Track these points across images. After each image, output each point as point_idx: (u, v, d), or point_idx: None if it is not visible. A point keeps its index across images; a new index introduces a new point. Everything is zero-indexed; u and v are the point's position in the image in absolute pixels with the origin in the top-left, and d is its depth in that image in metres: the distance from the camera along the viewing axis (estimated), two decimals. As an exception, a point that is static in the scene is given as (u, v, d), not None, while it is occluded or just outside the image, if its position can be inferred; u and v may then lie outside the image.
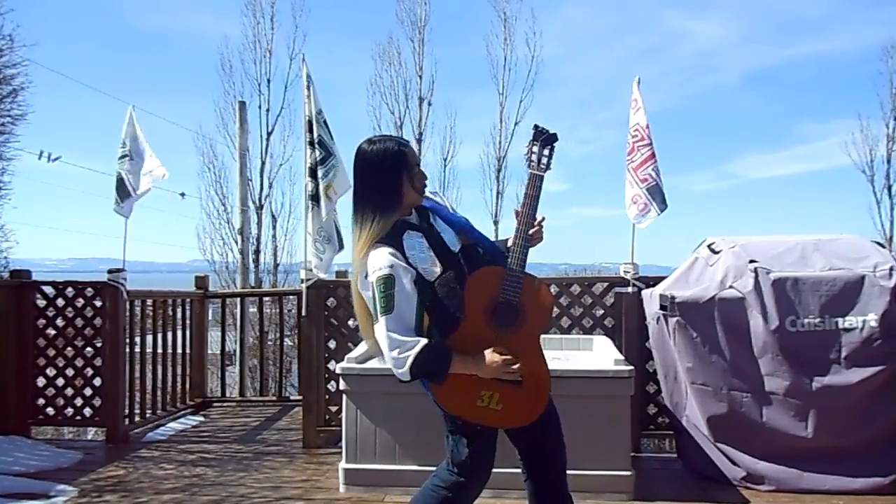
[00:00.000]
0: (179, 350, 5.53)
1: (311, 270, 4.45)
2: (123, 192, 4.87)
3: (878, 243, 3.73)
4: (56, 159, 10.25)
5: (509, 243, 2.17)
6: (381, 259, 1.99)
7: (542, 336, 2.20)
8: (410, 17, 14.93)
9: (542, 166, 2.10)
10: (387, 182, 2.06)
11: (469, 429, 2.09)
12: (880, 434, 3.33)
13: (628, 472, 3.29)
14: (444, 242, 2.12)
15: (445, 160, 14.85)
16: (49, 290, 4.78)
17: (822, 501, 3.26)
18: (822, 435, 3.31)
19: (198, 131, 13.58)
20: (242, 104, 11.66)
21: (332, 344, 4.42)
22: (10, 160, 6.25)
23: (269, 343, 8.93)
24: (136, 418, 4.90)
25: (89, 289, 4.73)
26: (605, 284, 4.42)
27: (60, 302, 4.73)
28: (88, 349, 4.74)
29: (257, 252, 13.09)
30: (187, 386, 5.64)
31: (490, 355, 2.00)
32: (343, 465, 3.49)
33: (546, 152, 2.11)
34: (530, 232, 2.10)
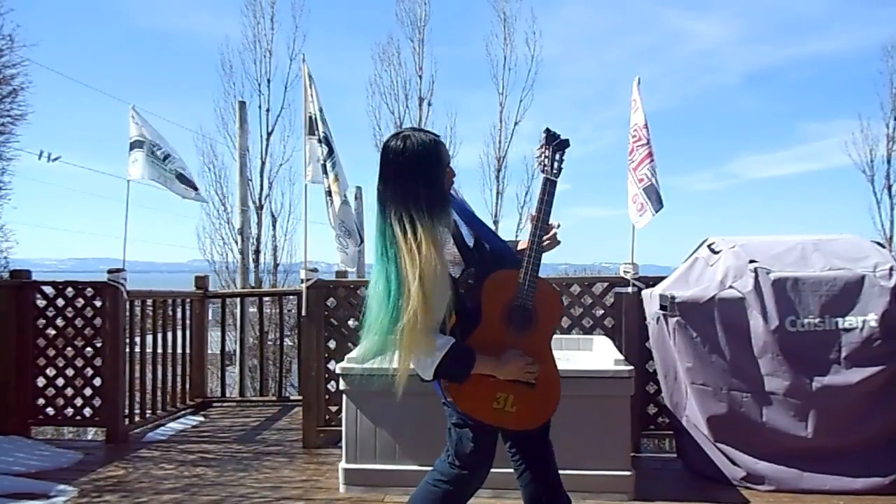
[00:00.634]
0: (179, 350, 5.53)
1: (313, 270, 4.47)
2: (190, 183, 4.96)
3: (878, 243, 3.73)
4: (56, 159, 10.26)
5: (520, 246, 2.18)
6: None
7: None
8: (410, 17, 14.95)
9: (556, 171, 2.09)
10: (432, 182, 1.97)
11: (478, 425, 2.09)
12: (880, 434, 3.33)
13: (628, 472, 3.29)
14: (463, 237, 2.12)
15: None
16: (49, 290, 4.78)
17: (822, 501, 3.26)
18: (822, 435, 3.31)
19: (198, 131, 13.60)
20: (242, 104, 11.67)
21: (332, 344, 4.41)
22: (10, 160, 6.27)
23: (269, 343, 8.93)
24: (136, 418, 4.90)
25: (89, 289, 4.73)
26: (605, 284, 4.42)
27: (60, 302, 4.73)
28: (88, 349, 4.74)
29: (257, 252, 13.09)
30: (187, 386, 5.64)
31: (512, 356, 2.02)
32: (343, 465, 3.49)
33: (558, 157, 2.09)
34: (545, 238, 2.09)
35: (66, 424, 5.73)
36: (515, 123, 14.84)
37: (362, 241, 4.48)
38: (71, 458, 4.18)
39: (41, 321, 4.72)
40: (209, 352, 6.25)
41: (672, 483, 3.59)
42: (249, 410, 5.76)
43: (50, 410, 4.74)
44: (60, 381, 4.73)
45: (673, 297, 3.55)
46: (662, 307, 3.61)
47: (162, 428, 5.02)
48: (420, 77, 14.80)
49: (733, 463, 3.48)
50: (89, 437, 6.30)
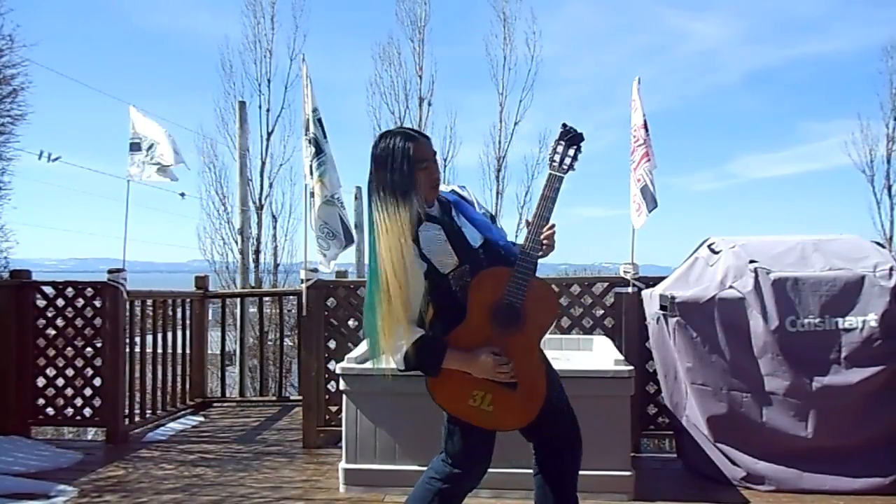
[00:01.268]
0: (179, 350, 5.53)
1: (313, 270, 4.47)
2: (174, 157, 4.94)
3: (878, 243, 3.73)
4: (56, 159, 10.23)
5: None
6: None
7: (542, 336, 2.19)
8: (410, 17, 14.94)
9: (564, 167, 2.04)
10: (399, 175, 2.01)
11: (468, 423, 2.09)
12: (880, 434, 3.33)
13: (628, 472, 3.29)
14: (464, 236, 2.11)
15: (445, 160, 14.84)
16: (49, 290, 4.77)
17: (822, 501, 3.26)
18: (822, 435, 3.31)
19: (198, 131, 13.60)
20: (242, 104, 11.67)
21: (332, 344, 4.41)
22: (10, 160, 6.26)
23: (269, 343, 8.93)
24: (136, 418, 4.90)
25: (89, 289, 4.73)
26: (605, 284, 4.42)
27: (60, 302, 4.73)
28: (88, 349, 4.74)
29: (257, 252, 13.09)
30: (187, 386, 5.64)
31: (483, 354, 2.01)
32: (343, 465, 3.49)
33: (570, 152, 2.05)
34: (542, 237, 2.05)
35: (66, 424, 5.73)
36: (515, 123, 14.84)
37: (352, 240, 4.47)
38: (71, 458, 4.18)
39: (41, 321, 4.72)
40: (209, 352, 6.25)
41: (672, 483, 3.59)
42: (249, 410, 5.76)
43: (50, 410, 4.74)
44: (60, 381, 4.73)
45: (673, 297, 3.55)
46: (662, 307, 3.61)
47: (162, 428, 5.02)
48: (420, 77, 14.80)
49: (733, 463, 3.48)
50: (89, 437, 6.31)
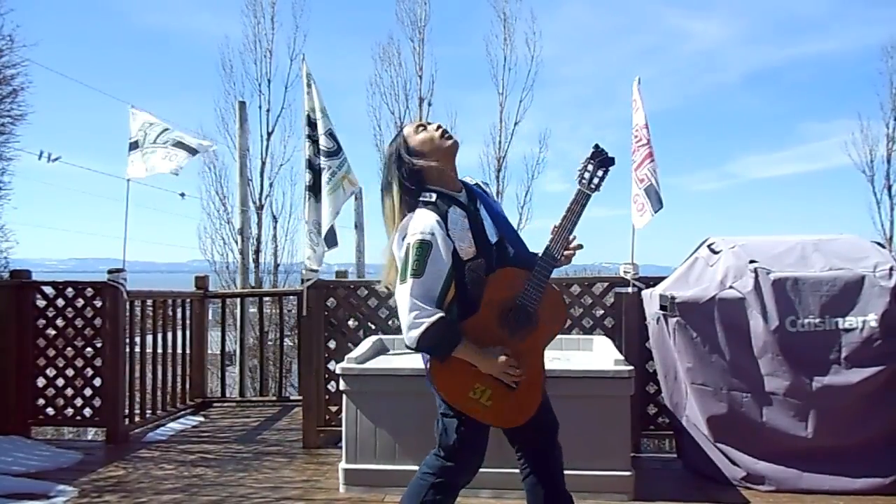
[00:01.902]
0: (179, 350, 5.53)
1: (313, 270, 4.47)
2: (189, 149, 4.95)
3: (878, 243, 3.73)
4: (56, 159, 10.23)
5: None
6: (425, 224, 2.02)
7: None
8: (410, 17, 14.96)
9: (593, 186, 2.09)
10: (394, 146, 2.18)
11: (465, 417, 2.10)
12: (880, 434, 3.33)
13: (628, 472, 3.29)
14: (485, 230, 2.13)
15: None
16: (49, 290, 4.78)
17: (822, 501, 3.26)
18: (822, 435, 3.31)
19: (198, 131, 13.57)
20: (242, 104, 11.66)
21: (332, 344, 4.41)
22: (10, 160, 6.25)
23: (269, 343, 8.93)
24: (136, 418, 4.90)
25: (89, 289, 4.73)
26: (605, 284, 4.42)
27: (60, 302, 4.73)
28: (88, 349, 4.74)
29: (257, 252, 13.09)
30: (187, 386, 5.64)
31: (497, 353, 2.03)
32: (343, 465, 3.49)
33: (599, 173, 2.09)
34: (564, 251, 2.10)
35: (66, 424, 5.73)
36: (515, 123, 14.86)
37: (333, 245, 4.45)
38: (71, 458, 4.18)
39: (41, 321, 4.72)
40: (209, 352, 6.25)
41: (672, 483, 3.59)
42: (249, 410, 5.76)
43: (50, 410, 4.74)
44: (60, 381, 4.73)
45: (673, 297, 3.55)
46: (662, 307, 3.61)
47: (162, 428, 5.02)
48: (420, 77, 14.82)
49: (733, 463, 3.48)
50: (89, 437, 6.31)
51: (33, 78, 6.33)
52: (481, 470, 2.21)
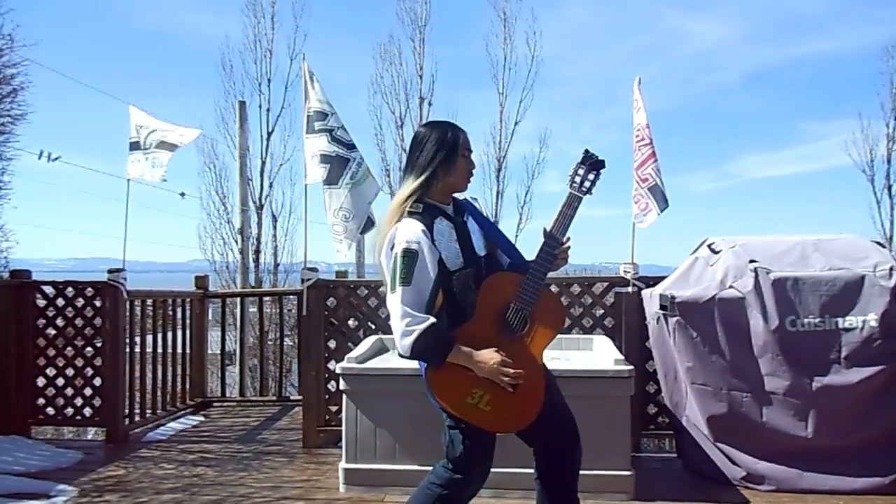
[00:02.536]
0: (179, 350, 5.53)
1: (313, 270, 4.47)
2: (169, 146, 4.92)
3: (878, 243, 3.73)
4: (56, 159, 10.24)
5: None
6: (411, 233, 2.03)
7: None
8: (411, 17, 14.95)
9: (584, 189, 2.13)
10: (441, 151, 2.13)
11: (470, 428, 2.09)
12: (880, 434, 3.33)
13: (628, 472, 3.29)
14: (472, 241, 2.16)
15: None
16: (49, 289, 4.78)
17: (823, 501, 3.26)
18: (822, 435, 3.31)
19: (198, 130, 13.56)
20: (242, 104, 11.66)
21: (332, 344, 4.41)
22: (10, 160, 6.25)
23: (269, 343, 8.93)
24: (136, 418, 4.90)
25: (89, 289, 4.73)
26: (605, 284, 4.42)
27: (60, 302, 4.73)
28: (88, 349, 4.74)
29: (257, 252, 13.09)
30: (187, 386, 5.64)
31: (490, 354, 2.02)
32: (343, 465, 3.49)
33: (591, 177, 2.13)
34: (556, 251, 2.11)
35: (66, 424, 5.73)
36: (516, 123, 14.83)
37: (368, 228, 4.48)
38: (71, 457, 4.18)
39: (41, 321, 4.72)
40: (209, 352, 6.25)
41: (672, 483, 3.59)
42: (249, 410, 5.76)
43: (50, 410, 4.74)
44: (60, 381, 4.73)
45: (673, 297, 3.55)
46: (662, 307, 3.61)
47: (162, 428, 5.02)
48: (420, 77, 14.80)
49: (733, 463, 3.48)
50: (89, 437, 6.30)
51: (33, 78, 6.33)
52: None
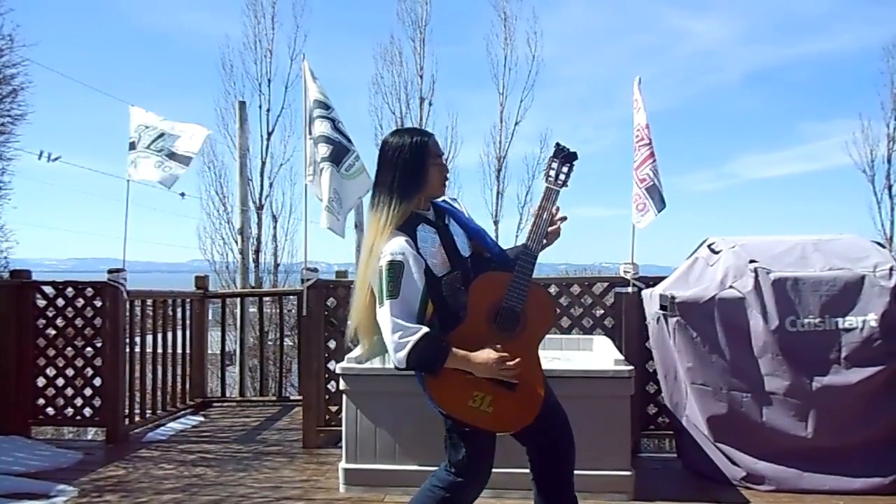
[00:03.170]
0: (179, 350, 5.53)
1: (313, 270, 4.46)
2: (182, 159, 4.90)
3: (878, 243, 3.73)
4: (56, 159, 10.23)
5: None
6: (395, 244, 2.02)
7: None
8: (411, 17, 14.95)
9: (559, 182, 2.17)
10: (410, 168, 2.10)
11: (471, 431, 2.09)
12: (880, 434, 3.33)
13: (628, 472, 3.29)
14: (456, 244, 2.16)
15: (446, 160, 14.85)
16: (49, 290, 4.78)
17: (823, 501, 3.26)
18: (822, 435, 3.31)
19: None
20: (242, 104, 11.67)
21: (332, 344, 4.41)
22: (10, 160, 6.26)
23: (269, 343, 8.93)
24: (136, 418, 4.90)
25: (89, 289, 4.73)
26: (605, 284, 4.42)
27: (60, 302, 4.73)
28: (88, 349, 4.74)
29: (257, 252, 13.10)
30: (187, 386, 5.64)
31: (485, 353, 2.02)
32: (343, 465, 3.49)
33: (564, 169, 2.17)
34: (550, 227, 2.16)
35: (66, 424, 5.73)
36: (516, 123, 14.84)
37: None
38: (71, 458, 4.18)
39: (41, 321, 4.72)
40: (209, 352, 6.26)
41: (672, 483, 3.59)
42: (249, 410, 5.76)
43: (50, 410, 4.74)
44: (60, 381, 4.73)
45: (673, 297, 3.55)
46: (662, 307, 3.61)
47: (162, 428, 5.02)
48: (421, 77, 14.80)
49: (733, 463, 3.48)
50: (89, 437, 6.30)
51: (33, 78, 6.34)
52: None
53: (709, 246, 3.80)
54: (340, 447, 3.58)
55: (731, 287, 3.48)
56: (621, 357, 3.47)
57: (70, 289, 4.73)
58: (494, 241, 2.29)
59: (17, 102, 6.20)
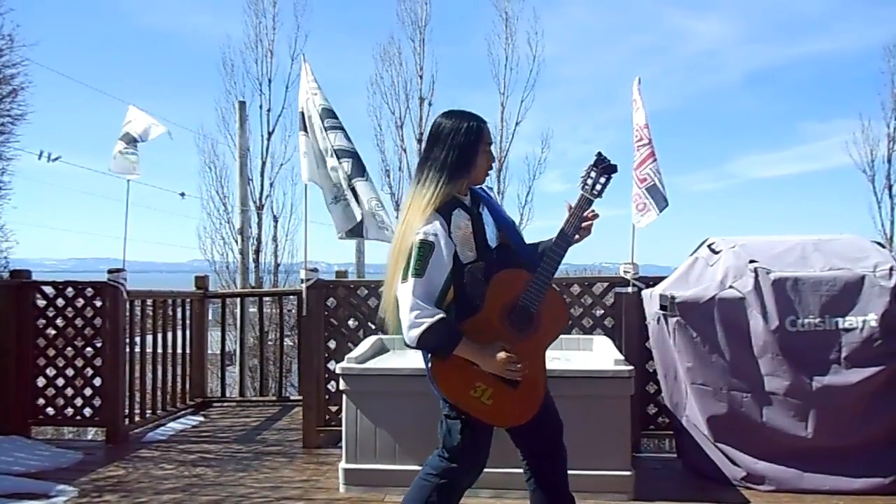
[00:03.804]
0: (179, 350, 5.53)
1: (313, 270, 4.46)
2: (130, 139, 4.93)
3: (878, 243, 3.73)
4: (56, 159, 10.22)
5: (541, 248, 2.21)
6: (430, 226, 2.03)
7: None
8: (411, 17, 14.97)
9: (595, 192, 2.15)
10: (463, 151, 2.11)
11: (468, 418, 2.10)
12: (880, 434, 3.33)
13: (628, 472, 3.29)
14: (486, 234, 2.17)
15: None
16: (49, 290, 4.78)
17: (822, 501, 3.26)
18: (822, 435, 3.31)
19: (199, 131, 13.57)
20: (242, 104, 11.68)
21: (332, 344, 4.42)
22: (10, 160, 6.23)
23: (269, 343, 8.93)
24: (136, 418, 4.90)
25: (89, 289, 4.73)
26: (605, 284, 4.42)
27: (60, 302, 4.73)
28: (88, 349, 4.74)
29: (257, 252, 13.10)
30: (187, 386, 5.64)
31: (496, 350, 2.03)
32: (343, 465, 3.49)
33: (602, 180, 2.15)
34: (565, 251, 2.14)
35: (66, 424, 5.73)
36: (517, 123, 14.85)
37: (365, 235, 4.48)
38: (71, 458, 4.18)
39: (41, 321, 4.72)
40: (209, 352, 6.26)
41: (672, 483, 3.59)
42: (249, 410, 5.76)
43: (50, 410, 4.74)
44: (60, 381, 4.73)
45: (673, 297, 3.55)
46: (662, 307, 3.61)
47: (162, 428, 5.02)
48: (421, 77, 14.82)
49: (733, 463, 3.48)
50: (89, 437, 6.31)
51: (33, 78, 6.31)
52: (481, 470, 2.20)
53: (709, 246, 3.80)
54: (340, 447, 3.58)
55: (731, 287, 3.48)
56: (621, 357, 3.47)
57: (70, 289, 4.74)
58: (521, 237, 2.29)
59: (17, 102, 6.19)
